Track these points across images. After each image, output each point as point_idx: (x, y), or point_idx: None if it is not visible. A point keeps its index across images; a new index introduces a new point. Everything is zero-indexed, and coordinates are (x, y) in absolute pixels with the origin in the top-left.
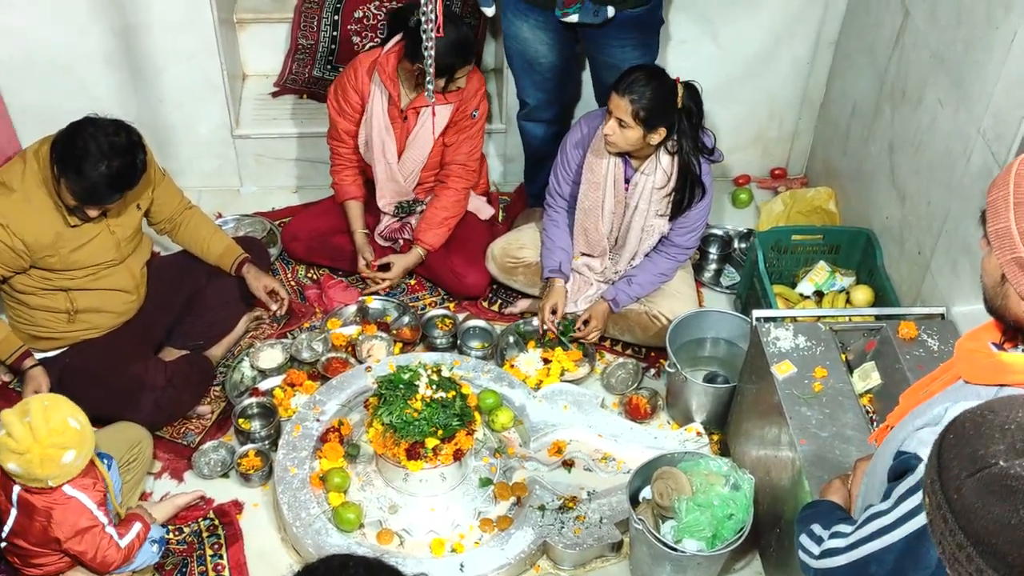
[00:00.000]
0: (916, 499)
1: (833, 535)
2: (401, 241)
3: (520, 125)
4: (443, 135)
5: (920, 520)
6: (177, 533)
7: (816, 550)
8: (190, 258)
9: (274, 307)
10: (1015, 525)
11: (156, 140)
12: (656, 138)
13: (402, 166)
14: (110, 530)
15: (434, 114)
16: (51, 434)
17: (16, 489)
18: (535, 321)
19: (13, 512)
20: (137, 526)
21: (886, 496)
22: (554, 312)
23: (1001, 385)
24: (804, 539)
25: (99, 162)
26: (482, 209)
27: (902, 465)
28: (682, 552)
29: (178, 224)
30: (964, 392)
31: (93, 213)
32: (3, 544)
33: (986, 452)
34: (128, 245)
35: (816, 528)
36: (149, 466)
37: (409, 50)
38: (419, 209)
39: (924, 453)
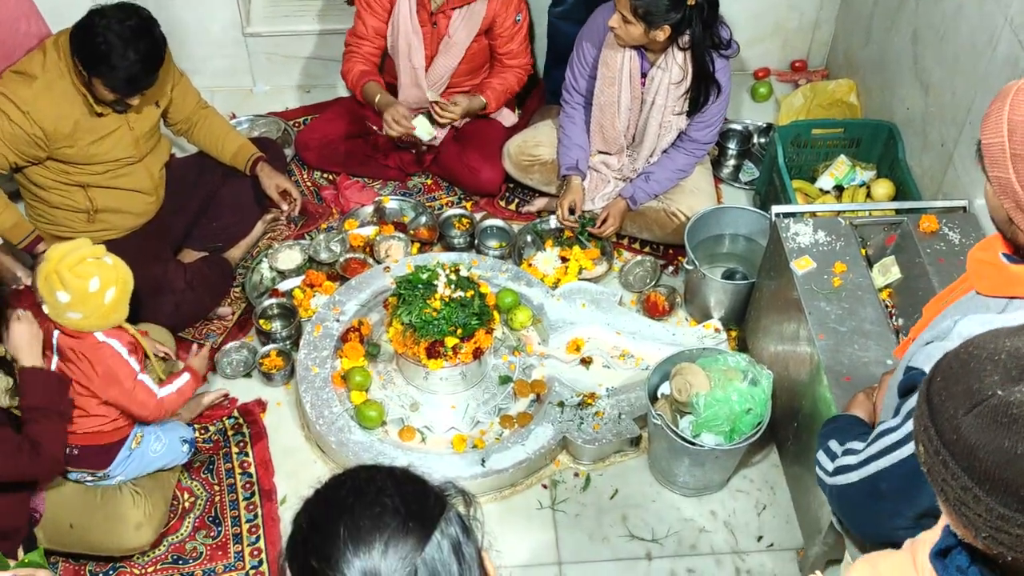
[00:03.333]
0: None
1: (846, 452)
2: (424, 148)
3: (552, 23)
4: (490, 42)
5: None
6: (203, 432)
7: (830, 467)
8: (206, 159)
9: (286, 207)
10: (1023, 454)
11: (168, 40)
12: (661, 35)
13: (430, 73)
14: (143, 377)
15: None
16: (69, 251)
17: (56, 334)
18: (552, 220)
19: (54, 359)
20: (184, 377)
21: (896, 412)
22: (572, 210)
23: (1012, 297)
24: (820, 455)
25: (126, 51)
26: (506, 116)
27: (910, 381)
28: (700, 446)
29: (194, 123)
30: (974, 304)
31: (136, 102)
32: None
33: (981, 385)
34: (147, 143)
35: (833, 444)
36: (172, 366)
37: None
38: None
39: (929, 368)
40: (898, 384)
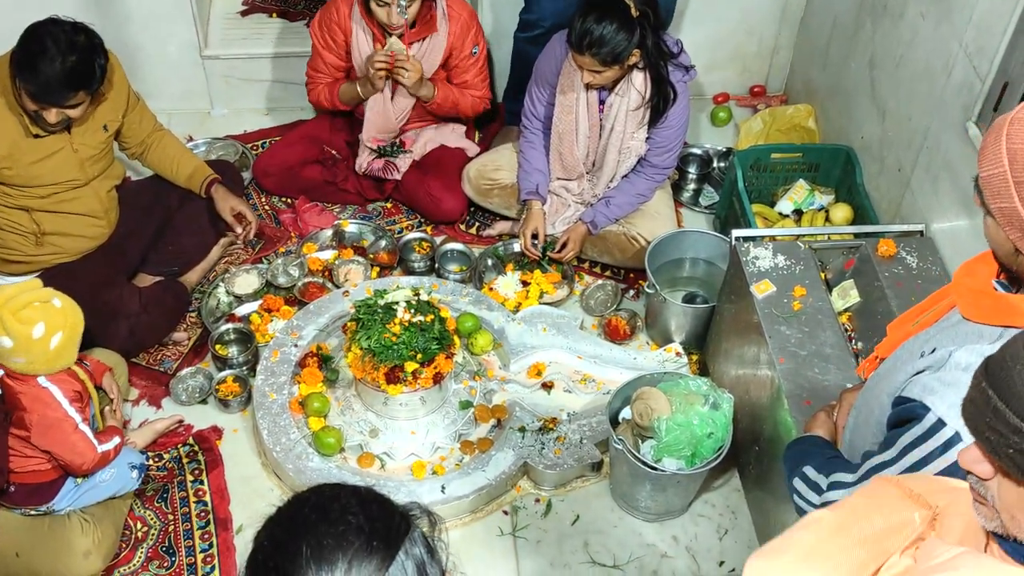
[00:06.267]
0: (924, 449)
1: (834, 485)
2: (387, 178)
3: (518, 46)
4: (447, 74)
5: (930, 470)
6: (157, 460)
7: (816, 500)
8: (162, 183)
9: (240, 230)
10: None
11: (123, 63)
12: (633, 59)
13: (394, 104)
14: (84, 428)
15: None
16: (14, 295)
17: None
18: (515, 244)
19: None
20: (116, 439)
21: (888, 444)
22: (535, 236)
23: (1007, 326)
24: (798, 484)
25: (55, 58)
26: (470, 149)
27: (906, 413)
28: (662, 471)
29: (148, 147)
30: (965, 331)
31: (52, 118)
32: None
33: None
34: (93, 166)
35: (810, 472)
36: (125, 393)
37: None
38: (402, 154)
39: (931, 401)
40: (887, 415)
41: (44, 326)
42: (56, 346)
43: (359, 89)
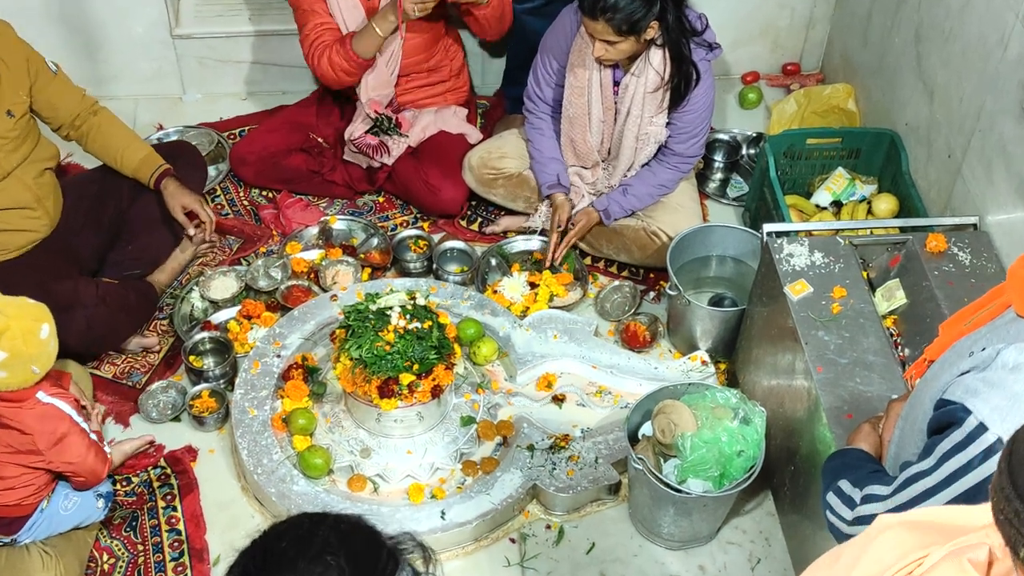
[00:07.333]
0: (963, 457)
1: (867, 498)
2: (378, 164)
3: (520, 19)
4: (457, 12)
5: (969, 480)
6: (125, 484)
7: (848, 515)
8: (109, 173)
9: (192, 231)
10: None
11: (84, 41)
12: (651, 33)
13: (383, 49)
14: (94, 437)
15: None
16: (19, 308)
17: None
18: (519, 241)
19: None
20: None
21: (927, 452)
22: (564, 234)
23: None
24: (832, 498)
25: None
26: (471, 135)
27: (946, 417)
28: (687, 493)
29: (85, 132)
30: (1016, 329)
31: None
32: None
33: None
34: (8, 158)
35: (845, 485)
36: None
37: None
38: (397, 135)
39: (972, 404)
40: (928, 420)
41: (48, 326)
42: (56, 342)
43: (376, 28)
